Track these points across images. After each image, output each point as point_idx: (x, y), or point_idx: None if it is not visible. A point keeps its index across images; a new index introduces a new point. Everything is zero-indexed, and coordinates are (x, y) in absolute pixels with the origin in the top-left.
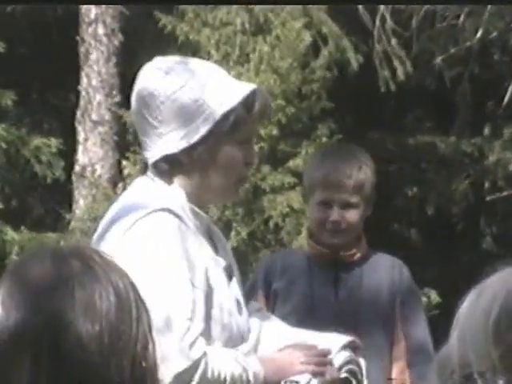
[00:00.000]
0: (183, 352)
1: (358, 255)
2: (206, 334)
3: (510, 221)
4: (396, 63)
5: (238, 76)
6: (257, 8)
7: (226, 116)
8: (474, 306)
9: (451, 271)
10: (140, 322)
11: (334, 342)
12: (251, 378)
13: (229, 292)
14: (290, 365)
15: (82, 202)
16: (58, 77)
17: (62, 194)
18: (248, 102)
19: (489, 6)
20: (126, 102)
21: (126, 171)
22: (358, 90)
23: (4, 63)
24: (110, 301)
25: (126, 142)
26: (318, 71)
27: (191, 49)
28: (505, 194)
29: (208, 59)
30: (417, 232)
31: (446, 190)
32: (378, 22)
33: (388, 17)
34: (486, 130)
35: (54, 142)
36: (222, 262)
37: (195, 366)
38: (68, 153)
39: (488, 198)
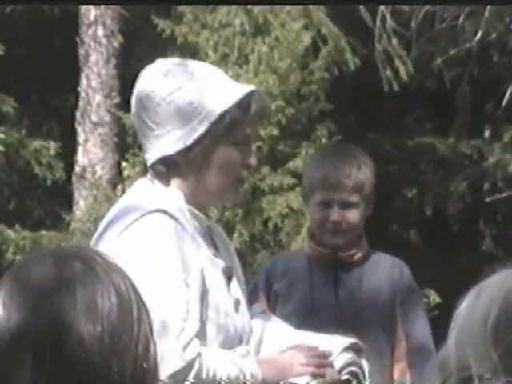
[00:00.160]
0: (177, 353)
1: (359, 255)
2: (201, 334)
3: (509, 222)
4: (398, 63)
5: (237, 77)
6: (256, 9)
7: (221, 117)
8: (473, 308)
9: (451, 272)
10: (141, 323)
11: (335, 344)
12: (248, 379)
13: (227, 293)
14: (290, 366)
15: (82, 203)
16: (58, 78)
17: (62, 195)
18: (244, 104)
19: (488, 8)
20: (125, 104)
21: (125, 173)
22: (358, 91)
23: (3, 64)
24: (111, 302)
25: (125, 144)
26: (316, 72)
27: (190, 50)
28: (504, 195)
29: (207, 60)
30: (416, 233)
31: (445, 191)
32: (378, 22)
33: (388, 16)
34: (486, 132)
35: (53, 146)
36: (222, 263)
37: (189, 366)
38: (68, 154)
39: (487, 200)
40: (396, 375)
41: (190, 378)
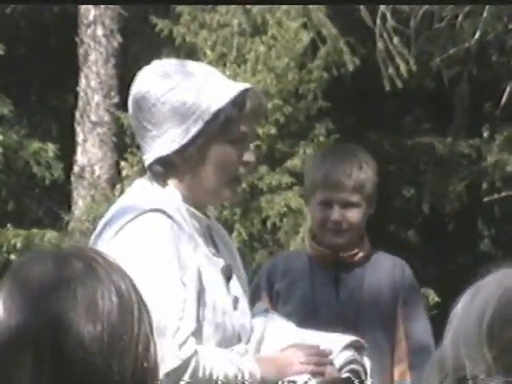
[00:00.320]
0: (173, 351)
1: (360, 255)
2: (198, 333)
3: (507, 222)
4: (398, 61)
5: (235, 76)
6: (255, 9)
7: (215, 116)
8: (468, 308)
9: (449, 271)
10: (142, 322)
11: (336, 342)
12: (247, 378)
13: (225, 292)
14: (289, 365)
15: (80, 202)
16: (57, 78)
17: (60, 194)
18: (239, 101)
19: (487, 8)
20: (124, 104)
21: (124, 172)
22: (356, 91)
23: (3, 64)
24: (112, 301)
25: (124, 143)
26: (315, 71)
27: (189, 50)
28: (503, 195)
29: (205, 60)
30: (414, 232)
31: (444, 191)
32: (378, 21)
33: (389, 15)
34: (484, 131)
35: (52, 147)
36: (221, 262)
37: (185, 365)
38: (67, 154)
39: (486, 199)
40: (396, 376)
41: (187, 376)
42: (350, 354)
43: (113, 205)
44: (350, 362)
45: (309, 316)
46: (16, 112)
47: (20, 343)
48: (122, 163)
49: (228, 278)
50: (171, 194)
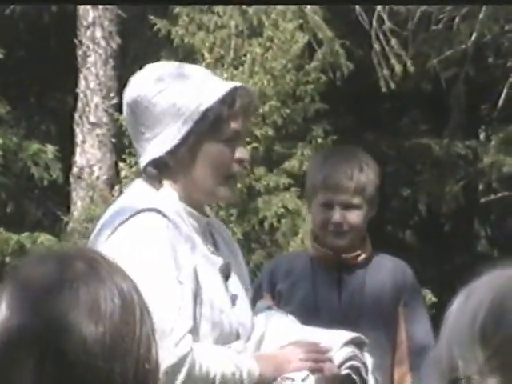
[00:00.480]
0: (170, 349)
1: (362, 257)
2: (195, 331)
3: (503, 223)
4: (394, 62)
5: (232, 78)
6: (251, 10)
7: (204, 115)
8: (462, 309)
9: (446, 272)
10: (143, 324)
11: (336, 339)
12: (245, 375)
13: (224, 290)
14: (288, 362)
15: (79, 203)
16: (56, 79)
17: (59, 195)
18: (228, 100)
19: (483, 9)
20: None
21: (122, 173)
22: (354, 92)
23: (2, 66)
24: (114, 303)
25: (123, 145)
26: (312, 73)
27: (187, 51)
28: (499, 195)
29: (202, 62)
30: (411, 233)
31: (441, 192)
32: (374, 23)
33: (385, 17)
34: (481, 133)
35: (51, 149)
36: (219, 261)
37: (181, 362)
38: (66, 155)
39: (482, 200)
40: (397, 378)
41: (183, 373)
42: (349, 350)
43: (111, 206)
44: (350, 358)
45: (310, 317)
46: (15, 113)
47: (22, 344)
48: (121, 164)
49: (227, 276)
50: (167, 194)
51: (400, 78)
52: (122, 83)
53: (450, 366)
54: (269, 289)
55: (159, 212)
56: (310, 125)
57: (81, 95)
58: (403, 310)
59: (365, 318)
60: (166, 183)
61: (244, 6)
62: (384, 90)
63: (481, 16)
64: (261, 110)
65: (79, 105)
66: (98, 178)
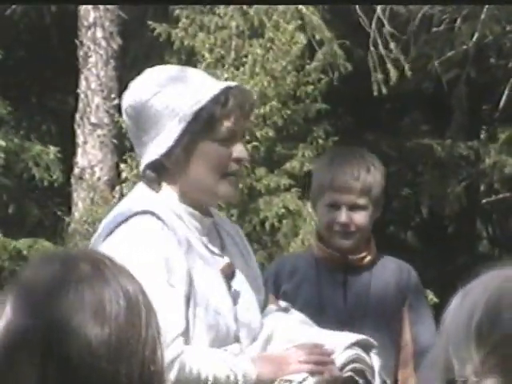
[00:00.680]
0: None
1: (368, 259)
2: (187, 334)
3: (505, 223)
4: (389, 66)
5: (233, 79)
6: (252, 11)
7: (197, 115)
8: (458, 310)
9: (448, 273)
10: (149, 325)
11: (340, 341)
12: (240, 378)
13: (223, 291)
14: (287, 364)
15: (80, 204)
16: (57, 80)
17: (61, 196)
18: (221, 99)
19: (484, 10)
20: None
21: (123, 174)
22: (355, 92)
23: (2, 67)
24: (119, 304)
25: (124, 146)
26: (313, 73)
27: (187, 53)
28: (500, 196)
29: (203, 63)
30: (413, 234)
31: (442, 193)
32: (373, 25)
33: (385, 21)
34: (482, 133)
35: (53, 150)
36: (222, 261)
37: (170, 365)
38: (67, 156)
39: (484, 201)
40: (400, 379)
41: (172, 376)
42: (353, 352)
43: (113, 208)
44: (353, 360)
45: (315, 318)
46: (16, 114)
47: (26, 346)
48: (122, 165)
49: (230, 277)
50: (167, 196)
51: (395, 83)
52: (123, 84)
53: (446, 366)
54: (273, 290)
55: (153, 214)
56: (310, 126)
57: (82, 96)
58: (408, 312)
59: (369, 320)
60: (165, 185)
61: (245, 7)
62: (376, 93)
63: (482, 17)
64: (261, 111)
65: (80, 105)
66: (99, 178)
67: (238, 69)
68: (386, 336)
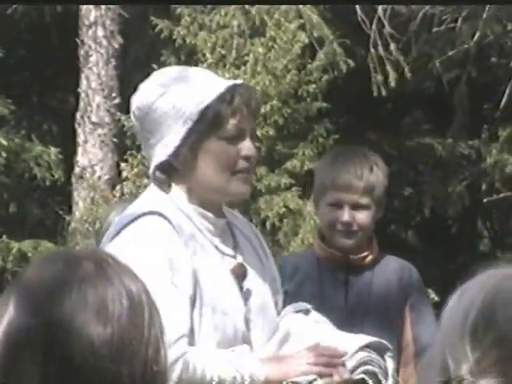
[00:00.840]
0: None
1: (370, 258)
2: (191, 334)
3: (507, 222)
4: (389, 68)
5: (235, 78)
6: (253, 10)
7: (203, 114)
8: (454, 309)
9: (449, 272)
10: (152, 325)
11: (353, 343)
12: (246, 378)
13: (234, 292)
14: (296, 365)
15: (81, 203)
16: (58, 79)
17: (61, 195)
18: (226, 97)
19: (486, 10)
20: (125, 105)
21: (124, 174)
22: (356, 91)
23: (3, 66)
24: (122, 304)
25: (124, 145)
26: (314, 72)
27: (189, 51)
28: (502, 195)
29: (204, 62)
30: (414, 233)
31: (444, 192)
32: (374, 27)
33: (386, 22)
34: (484, 133)
35: (54, 151)
36: (233, 262)
37: (173, 366)
38: (67, 155)
39: (485, 200)
40: (402, 379)
41: (175, 377)
42: (365, 354)
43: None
44: (365, 362)
45: None
46: (17, 113)
47: (28, 344)
48: (122, 164)
49: (240, 277)
50: (176, 197)
51: (395, 84)
52: (123, 83)
53: (442, 366)
54: None
55: (160, 215)
56: (311, 124)
57: (82, 95)
58: (410, 312)
59: (371, 319)
60: (175, 186)
61: (247, 6)
62: (375, 94)
63: (483, 16)
64: (262, 110)
65: (81, 104)
66: (99, 178)
67: (239, 68)
68: (387, 335)
